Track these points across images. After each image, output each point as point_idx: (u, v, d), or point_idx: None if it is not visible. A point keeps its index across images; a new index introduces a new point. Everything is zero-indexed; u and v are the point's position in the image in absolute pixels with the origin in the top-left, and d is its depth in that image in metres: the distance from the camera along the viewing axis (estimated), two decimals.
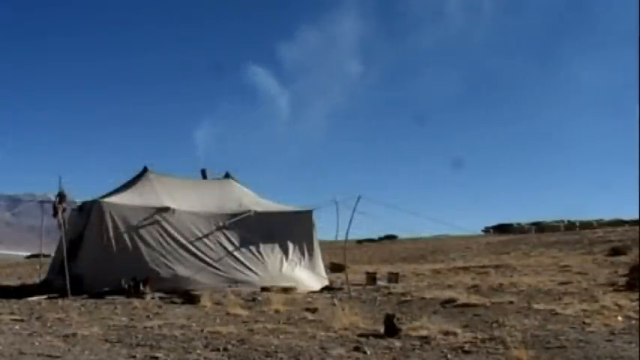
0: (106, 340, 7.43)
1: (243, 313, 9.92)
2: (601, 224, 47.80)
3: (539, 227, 49.70)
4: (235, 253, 14.25)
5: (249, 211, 14.73)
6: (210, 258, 13.91)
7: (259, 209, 15.01)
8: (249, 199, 15.71)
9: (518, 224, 51.66)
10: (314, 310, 10.26)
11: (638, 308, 9.22)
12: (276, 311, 10.25)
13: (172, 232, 13.76)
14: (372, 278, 16.38)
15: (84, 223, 13.84)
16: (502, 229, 50.87)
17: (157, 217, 13.73)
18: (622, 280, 13.86)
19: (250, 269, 14.23)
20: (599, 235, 34.65)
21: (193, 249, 13.83)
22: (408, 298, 12.33)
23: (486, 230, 51.77)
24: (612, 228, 44.17)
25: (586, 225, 47.52)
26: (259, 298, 11.96)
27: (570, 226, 48.77)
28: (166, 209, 13.83)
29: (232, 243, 14.32)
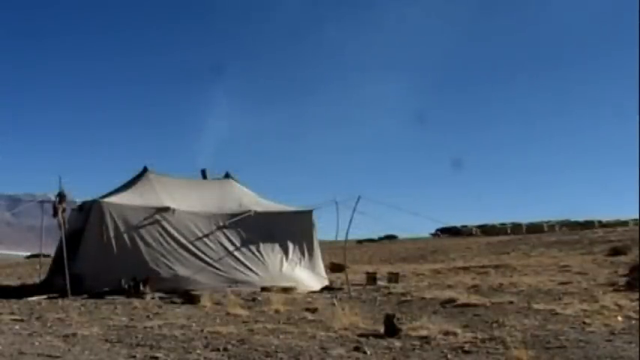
0: (106, 340, 7.43)
1: (243, 313, 9.91)
2: (550, 226, 48.75)
3: (484, 230, 51.11)
4: (235, 253, 14.25)
5: (249, 211, 14.73)
6: (211, 258, 13.91)
7: (259, 209, 15.02)
8: (249, 199, 15.71)
9: (464, 226, 52.18)
10: (314, 310, 10.25)
11: (638, 308, 9.22)
12: (276, 311, 10.24)
13: (172, 232, 13.76)
14: (372, 278, 16.38)
15: (84, 223, 13.83)
16: (450, 231, 51.76)
17: (157, 217, 13.73)
18: (622, 280, 13.86)
19: (250, 269, 14.23)
20: (599, 235, 34.68)
21: (193, 249, 13.83)
22: (408, 298, 12.33)
23: (435, 234, 52.76)
24: (564, 229, 46.07)
25: (536, 227, 48.55)
26: (259, 298, 11.96)
27: (515, 228, 49.81)
28: (166, 209, 13.83)
29: (232, 243, 14.32)
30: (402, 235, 51.92)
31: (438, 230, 52.96)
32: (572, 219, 51.12)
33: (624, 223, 45.54)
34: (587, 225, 47.25)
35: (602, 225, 46.46)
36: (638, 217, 46.80)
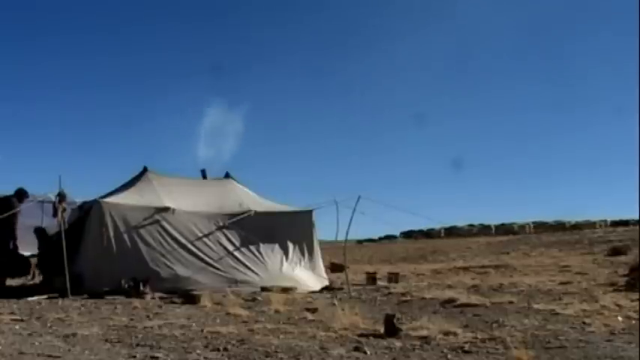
0: (106, 340, 7.43)
1: (243, 313, 9.90)
2: (521, 226, 49.05)
3: (448, 232, 51.44)
4: (235, 253, 14.25)
5: (250, 211, 14.73)
6: (211, 258, 13.91)
7: (259, 209, 15.01)
8: (249, 199, 15.71)
9: (431, 229, 52.62)
10: (314, 310, 10.24)
11: (638, 308, 9.23)
12: (276, 311, 10.24)
13: (172, 232, 13.75)
14: (372, 278, 16.39)
15: (84, 223, 13.83)
16: (419, 234, 52.30)
17: (157, 217, 13.72)
18: (622, 280, 13.88)
19: (250, 269, 14.22)
20: (599, 235, 34.74)
21: (193, 249, 13.82)
22: (408, 298, 12.33)
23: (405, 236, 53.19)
24: (538, 229, 46.58)
25: (506, 228, 48.82)
26: (259, 298, 11.97)
27: (484, 229, 50.27)
28: (166, 209, 13.82)
29: (232, 243, 14.31)
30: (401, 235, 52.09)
31: (402, 233, 53.60)
32: (544, 220, 51.55)
33: (593, 224, 46.11)
34: (558, 226, 47.82)
35: (573, 226, 46.99)
36: (607, 218, 48.13)
